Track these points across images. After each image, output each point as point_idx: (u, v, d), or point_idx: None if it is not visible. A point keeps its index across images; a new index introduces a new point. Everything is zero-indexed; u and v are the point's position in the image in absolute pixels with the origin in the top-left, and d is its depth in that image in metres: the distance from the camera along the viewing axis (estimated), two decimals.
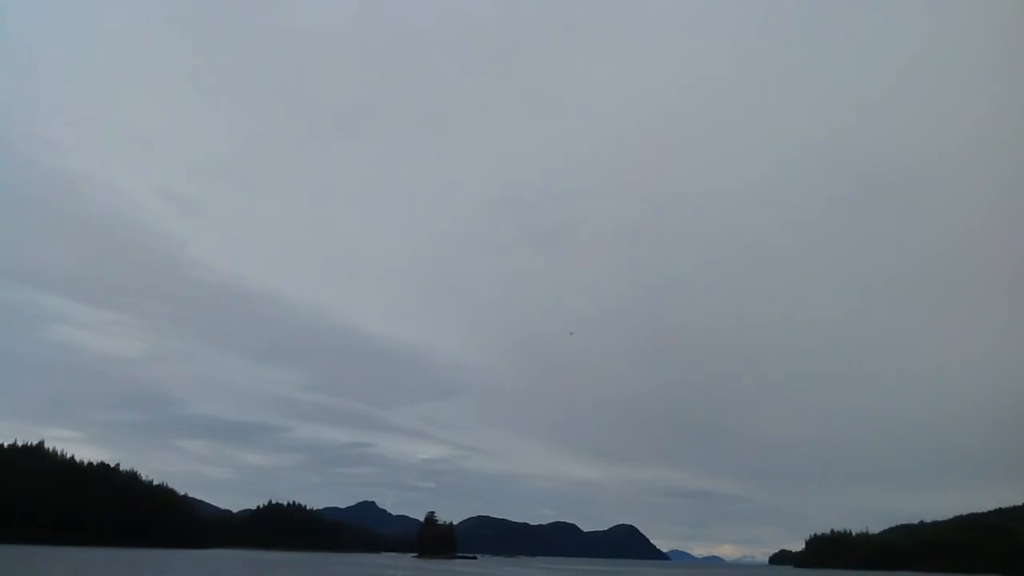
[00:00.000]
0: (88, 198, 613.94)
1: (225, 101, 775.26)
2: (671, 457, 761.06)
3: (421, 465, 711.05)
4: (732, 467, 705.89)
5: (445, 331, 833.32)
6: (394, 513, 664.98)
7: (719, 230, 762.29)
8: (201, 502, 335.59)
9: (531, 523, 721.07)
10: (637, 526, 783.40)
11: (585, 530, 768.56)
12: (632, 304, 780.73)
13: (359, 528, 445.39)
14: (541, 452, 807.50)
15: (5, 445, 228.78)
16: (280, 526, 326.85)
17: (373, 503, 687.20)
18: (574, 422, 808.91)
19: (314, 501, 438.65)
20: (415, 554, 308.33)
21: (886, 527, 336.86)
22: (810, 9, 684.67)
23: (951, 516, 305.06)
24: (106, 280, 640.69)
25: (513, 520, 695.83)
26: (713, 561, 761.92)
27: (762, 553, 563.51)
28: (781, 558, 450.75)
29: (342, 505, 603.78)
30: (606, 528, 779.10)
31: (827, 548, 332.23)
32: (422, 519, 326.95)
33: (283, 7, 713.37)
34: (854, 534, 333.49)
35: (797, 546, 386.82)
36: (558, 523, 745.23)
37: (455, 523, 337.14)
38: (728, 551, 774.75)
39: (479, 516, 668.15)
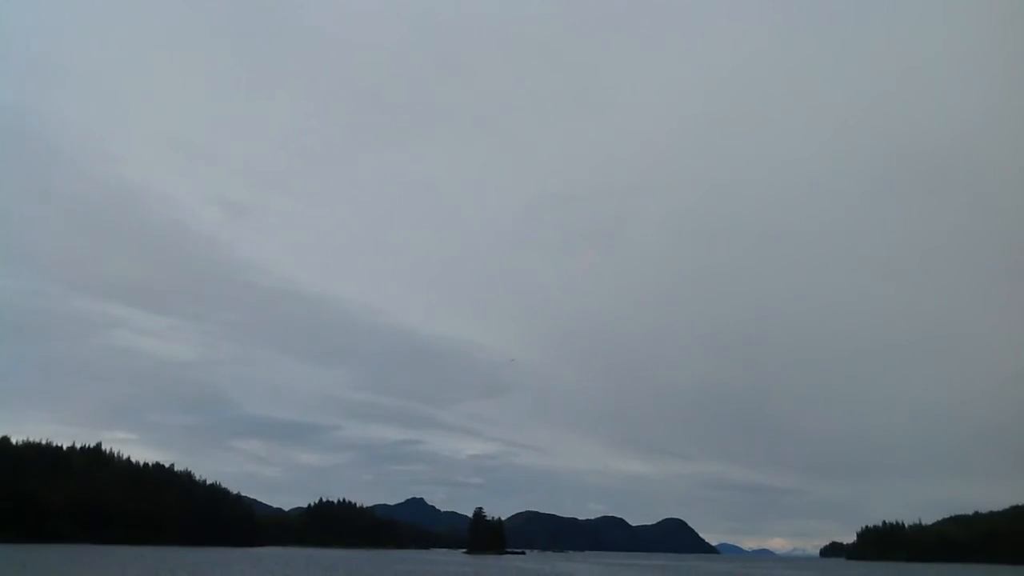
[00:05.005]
0: (147, 208, 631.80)
1: (276, 110, 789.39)
2: (720, 450, 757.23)
3: (469, 461, 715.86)
4: (782, 460, 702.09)
5: (495, 329, 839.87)
6: (443, 509, 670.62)
7: (767, 222, 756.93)
8: (255, 501, 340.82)
9: (580, 518, 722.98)
10: (686, 520, 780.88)
11: (634, 524, 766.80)
12: (682, 298, 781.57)
13: (409, 525, 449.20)
14: (590, 447, 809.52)
15: (64, 448, 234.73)
16: (332, 524, 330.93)
17: (422, 500, 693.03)
18: (623, 417, 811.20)
19: (364, 498, 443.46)
20: (465, 550, 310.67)
21: (940, 518, 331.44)
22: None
23: (1007, 506, 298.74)
24: (165, 287, 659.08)
25: (562, 515, 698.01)
26: (763, 554, 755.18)
27: (813, 546, 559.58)
28: (833, 550, 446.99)
29: (392, 502, 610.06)
30: (655, 522, 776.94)
31: (880, 540, 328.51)
32: (471, 515, 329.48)
33: (331, 17, 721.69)
34: (907, 526, 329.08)
35: (849, 538, 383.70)
36: (607, 518, 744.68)
37: (504, 519, 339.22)
38: (779, 544, 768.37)
39: (528, 512, 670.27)
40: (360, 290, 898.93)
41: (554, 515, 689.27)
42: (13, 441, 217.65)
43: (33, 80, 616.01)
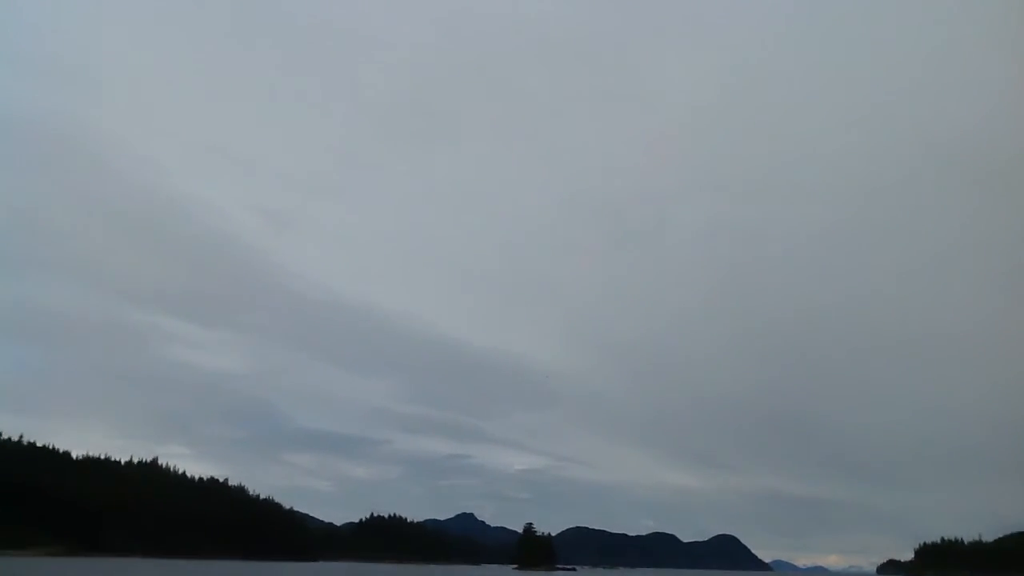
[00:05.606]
0: (193, 219, 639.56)
1: (315, 117, 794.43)
2: (772, 462, 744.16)
3: (518, 475, 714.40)
4: (837, 471, 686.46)
5: (539, 339, 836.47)
6: (492, 524, 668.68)
7: (813, 221, 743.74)
8: (306, 515, 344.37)
9: (630, 533, 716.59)
10: (738, 536, 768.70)
11: (685, 540, 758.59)
12: (726, 301, 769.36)
13: (459, 539, 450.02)
14: (639, 460, 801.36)
15: (122, 462, 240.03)
16: (383, 538, 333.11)
17: (472, 515, 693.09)
18: (671, 428, 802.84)
19: (415, 513, 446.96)
20: (515, 566, 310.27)
21: (1002, 534, 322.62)
22: None
23: None
24: (215, 299, 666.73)
25: (612, 531, 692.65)
26: (817, 571, 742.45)
27: (870, 563, 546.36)
28: (889, 568, 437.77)
29: (442, 517, 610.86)
30: (706, 538, 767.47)
31: (938, 557, 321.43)
32: (520, 530, 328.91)
33: (365, 21, 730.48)
34: (966, 542, 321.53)
35: (906, 555, 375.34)
36: (657, 533, 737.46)
37: (553, 534, 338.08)
38: (834, 560, 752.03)
39: (577, 527, 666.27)
40: (405, 301, 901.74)
41: (604, 531, 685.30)
42: (73, 456, 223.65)
43: (77, 90, 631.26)
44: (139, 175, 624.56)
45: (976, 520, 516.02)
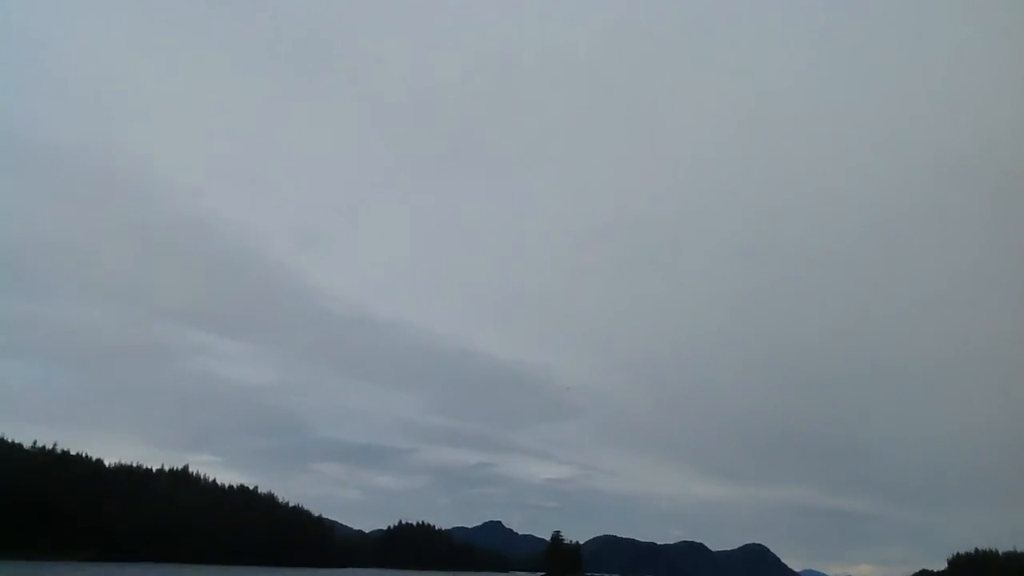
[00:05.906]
0: (225, 239, 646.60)
1: (345, 142, 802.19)
2: (797, 476, 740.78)
3: (545, 485, 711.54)
4: (867, 483, 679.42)
5: (562, 354, 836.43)
6: (520, 533, 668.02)
7: (828, 244, 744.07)
8: (335, 523, 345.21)
9: (659, 543, 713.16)
10: (768, 545, 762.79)
11: (714, 550, 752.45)
12: (742, 322, 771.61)
13: (487, 548, 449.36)
14: (664, 472, 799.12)
15: (154, 470, 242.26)
16: (411, 546, 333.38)
17: (500, 523, 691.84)
18: (698, 442, 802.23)
19: (443, 521, 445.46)
20: (543, 574, 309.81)
21: None
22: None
23: None
24: (244, 314, 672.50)
25: (640, 540, 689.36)
26: None
27: (902, 573, 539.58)
28: None
29: (469, 525, 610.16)
30: (736, 547, 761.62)
31: (971, 567, 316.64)
32: (548, 538, 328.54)
33: (390, 50, 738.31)
34: (1001, 553, 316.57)
35: (939, 566, 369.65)
36: (686, 543, 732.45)
37: (581, 543, 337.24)
38: (865, 571, 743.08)
39: (606, 536, 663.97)
40: (431, 315, 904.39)
41: (632, 539, 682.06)
42: (106, 463, 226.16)
43: (111, 117, 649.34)
44: (172, 197, 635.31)
45: (1010, 532, 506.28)
